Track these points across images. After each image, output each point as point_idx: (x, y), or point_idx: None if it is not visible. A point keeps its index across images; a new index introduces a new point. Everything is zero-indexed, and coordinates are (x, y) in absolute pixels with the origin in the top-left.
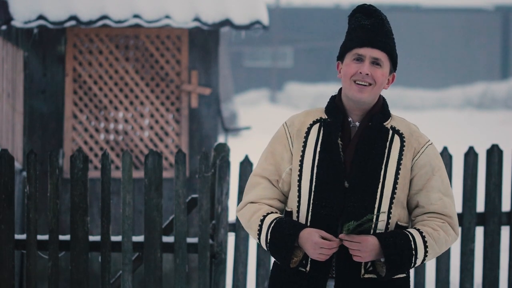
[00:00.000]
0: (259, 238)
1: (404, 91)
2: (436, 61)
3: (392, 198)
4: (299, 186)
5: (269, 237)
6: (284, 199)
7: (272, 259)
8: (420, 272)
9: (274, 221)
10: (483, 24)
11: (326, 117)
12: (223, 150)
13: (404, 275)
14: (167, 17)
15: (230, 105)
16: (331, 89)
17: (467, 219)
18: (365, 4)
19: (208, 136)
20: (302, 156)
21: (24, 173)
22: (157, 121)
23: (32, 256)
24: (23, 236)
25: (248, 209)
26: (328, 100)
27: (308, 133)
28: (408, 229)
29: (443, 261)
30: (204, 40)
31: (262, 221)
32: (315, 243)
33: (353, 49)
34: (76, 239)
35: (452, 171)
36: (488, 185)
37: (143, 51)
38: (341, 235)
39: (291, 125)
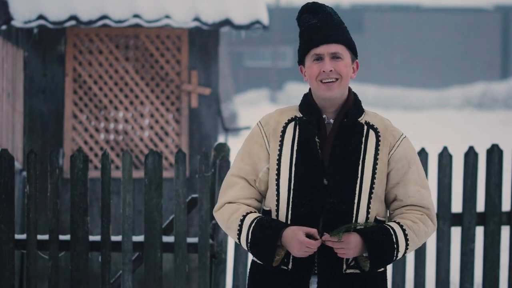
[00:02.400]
0: (239, 239)
1: (404, 91)
2: (436, 61)
3: (370, 193)
4: (278, 185)
5: (250, 237)
6: (261, 198)
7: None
8: (420, 272)
9: (255, 221)
10: (483, 24)
11: (301, 115)
12: (223, 150)
13: (383, 268)
14: (167, 17)
15: (230, 105)
16: None
17: (467, 219)
18: (309, 2)
19: (208, 136)
20: (280, 155)
21: (24, 173)
22: (157, 121)
23: (32, 256)
24: (23, 236)
25: (226, 209)
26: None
27: (284, 132)
28: (388, 223)
29: (443, 261)
30: (204, 40)
31: (242, 221)
32: (301, 242)
33: (310, 50)
34: (76, 239)
35: (452, 171)
36: (488, 185)
37: (143, 51)
38: (324, 237)
39: (266, 125)
